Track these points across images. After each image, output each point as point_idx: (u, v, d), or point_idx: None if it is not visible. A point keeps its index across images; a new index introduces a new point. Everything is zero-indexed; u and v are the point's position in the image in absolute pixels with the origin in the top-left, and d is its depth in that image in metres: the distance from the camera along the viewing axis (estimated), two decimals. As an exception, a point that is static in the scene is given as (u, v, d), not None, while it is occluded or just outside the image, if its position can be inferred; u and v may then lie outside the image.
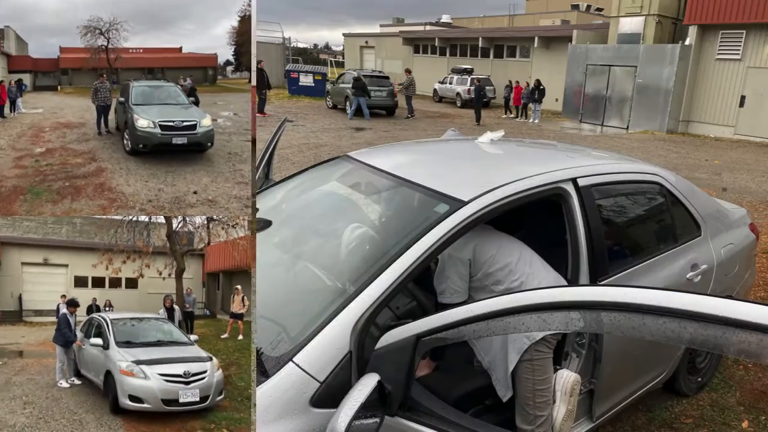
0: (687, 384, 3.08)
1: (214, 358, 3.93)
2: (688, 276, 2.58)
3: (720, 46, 15.90)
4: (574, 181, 2.19)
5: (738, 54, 15.53)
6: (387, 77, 19.05)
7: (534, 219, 2.64)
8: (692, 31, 16.18)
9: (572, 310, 1.22)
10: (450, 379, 2.16)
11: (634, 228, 2.67)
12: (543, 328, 1.30)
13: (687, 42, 16.32)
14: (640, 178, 2.59)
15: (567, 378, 2.01)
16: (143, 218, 6.80)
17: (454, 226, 1.83)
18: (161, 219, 6.90)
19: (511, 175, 2.10)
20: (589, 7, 38.13)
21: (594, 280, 2.13)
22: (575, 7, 37.67)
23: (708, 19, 15.70)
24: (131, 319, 4.52)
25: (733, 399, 3.12)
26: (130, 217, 6.77)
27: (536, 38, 22.80)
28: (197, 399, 3.49)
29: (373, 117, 16.86)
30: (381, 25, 42.44)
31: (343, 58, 39.39)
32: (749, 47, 15.35)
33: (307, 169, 2.99)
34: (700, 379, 3.17)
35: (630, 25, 17.77)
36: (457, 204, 1.91)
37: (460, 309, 1.46)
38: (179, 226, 7.61)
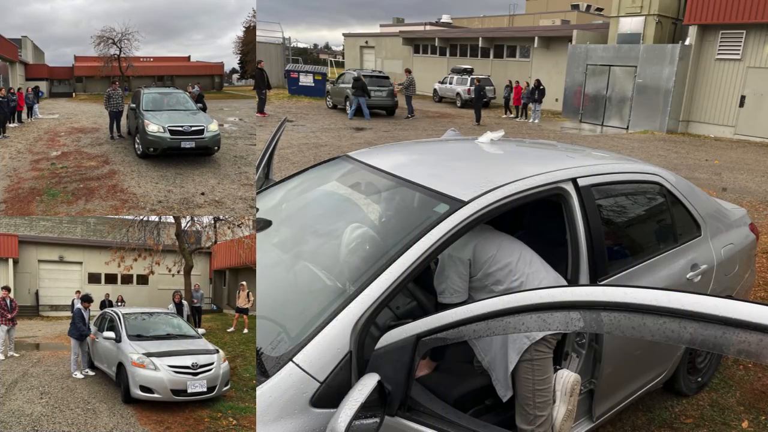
0: (687, 384, 3.08)
1: (220, 350, 3.99)
2: (688, 276, 2.58)
3: (720, 46, 15.90)
4: (574, 181, 2.18)
5: (738, 54, 15.53)
6: (387, 77, 19.04)
7: (534, 219, 2.64)
8: (692, 31, 16.18)
9: (572, 310, 1.21)
10: (450, 379, 2.16)
11: (634, 228, 2.67)
12: (543, 328, 1.28)
13: (687, 42, 16.32)
14: (640, 178, 2.58)
15: (567, 378, 2.01)
16: (153, 218, 6.86)
17: (454, 226, 1.83)
18: (170, 219, 6.97)
19: (511, 175, 2.10)
20: (589, 7, 38.15)
21: (594, 280, 2.13)
22: (575, 7, 37.67)
23: (708, 19, 15.70)
24: (142, 313, 4.59)
25: (733, 399, 3.12)
26: (141, 217, 6.83)
27: (536, 38, 22.80)
28: (204, 389, 3.55)
29: (373, 117, 16.86)
30: (381, 25, 42.46)
31: (343, 58, 39.39)
32: (749, 47, 15.35)
33: (306, 169, 2.99)
34: (700, 379, 3.17)
35: (630, 25, 17.77)
36: (457, 204, 1.91)
37: (460, 309, 1.45)
38: (188, 225, 7.68)
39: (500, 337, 2.02)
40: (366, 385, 1.44)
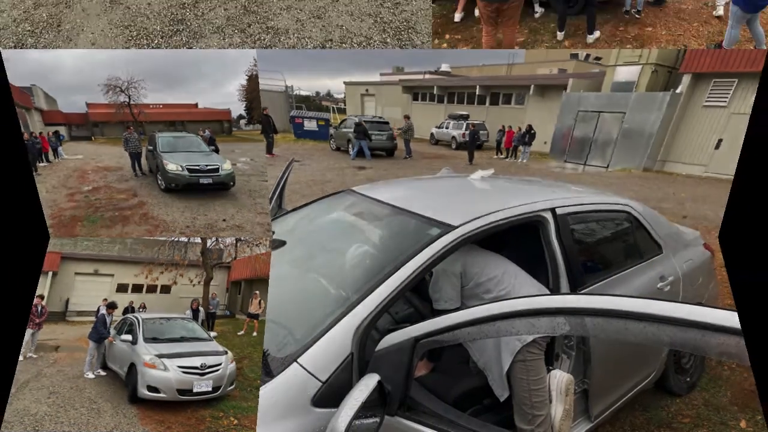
0: (677, 383, 3.16)
1: (229, 351, 4.13)
2: (658, 286, 2.76)
3: (710, 93, 16.31)
4: (552, 210, 2.38)
5: (725, 101, 15.98)
6: (387, 122, 19.68)
7: (518, 239, 2.84)
8: (686, 79, 16.65)
9: (558, 315, 1.32)
10: (449, 379, 2.25)
11: (604, 246, 2.85)
12: (531, 331, 1.38)
13: (679, 90, 16.82)
14: (612, 208, 2.80)
15: (561, 378, 2.09)
16: (183, 239, 7.55)
17: (444, 246, 2.01)
18: (197, 240, 7.52)
19: (497, 204, 2.29)
20: (588, 56, 39.31)
21: (573, 290, 2.29)
22: (574, 56, 38.80)
23: (704, 68, 16.17)
24: (160, 318, 4.76)
25: (725, 398, 3.17)
26: (173, 238, 7.43)
27: (532, 86, 23.53)
28: (210, 389, 3.68)
29: (374, 157, 17.35)
30: (381, 74, 43.74)
31: (345, 105, 40.31)
32: (737, 94, 15.78)
33: (314, 201, 3.18)
34: (689, 379, 3.26)
35: (625, 73, 18.33)
36: (447, 228, 2.09)
37: (455, 314, 1.54)
38: (212, 244, 8.18)
39: (493, 340, 2.13)
40: (367, 385, 1.54)
